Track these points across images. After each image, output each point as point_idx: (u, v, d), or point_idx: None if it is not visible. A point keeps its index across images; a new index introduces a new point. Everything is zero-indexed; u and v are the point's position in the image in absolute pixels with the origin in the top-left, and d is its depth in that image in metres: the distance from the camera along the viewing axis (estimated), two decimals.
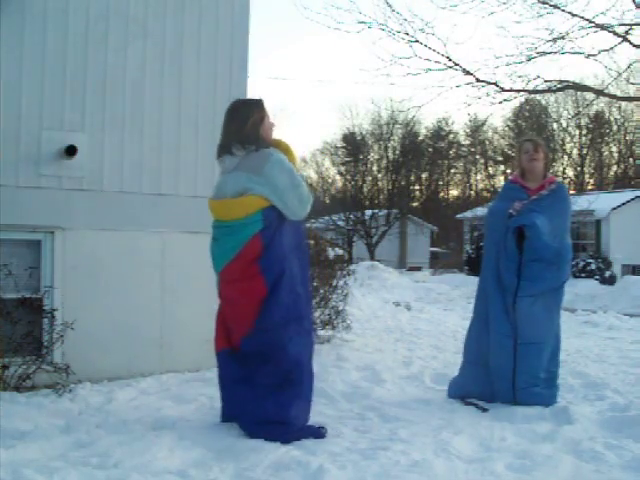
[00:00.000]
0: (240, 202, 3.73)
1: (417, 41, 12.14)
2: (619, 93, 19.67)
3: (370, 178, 39.30)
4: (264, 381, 3.79)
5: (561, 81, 13.09)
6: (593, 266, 21.77)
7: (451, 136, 45.60)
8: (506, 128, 42.71)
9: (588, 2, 11.55)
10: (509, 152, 39.18)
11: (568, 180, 38.24)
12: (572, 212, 4.90)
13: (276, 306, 3.70)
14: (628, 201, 24.26)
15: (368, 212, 34.98)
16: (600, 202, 23.21)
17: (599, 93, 14.37)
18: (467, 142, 46.19)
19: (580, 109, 33.76)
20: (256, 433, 3.77)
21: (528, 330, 4.70)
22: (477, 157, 46.15)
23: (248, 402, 3.83)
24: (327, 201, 39.16)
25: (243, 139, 3.73)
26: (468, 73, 12.40)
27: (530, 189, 4.91)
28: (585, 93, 24.34)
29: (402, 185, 39.57)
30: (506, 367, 4.71)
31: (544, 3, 11.44)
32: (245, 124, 3.74)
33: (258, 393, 3.79)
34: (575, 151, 39.83)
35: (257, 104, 3.88)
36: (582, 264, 21.93)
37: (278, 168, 3.64)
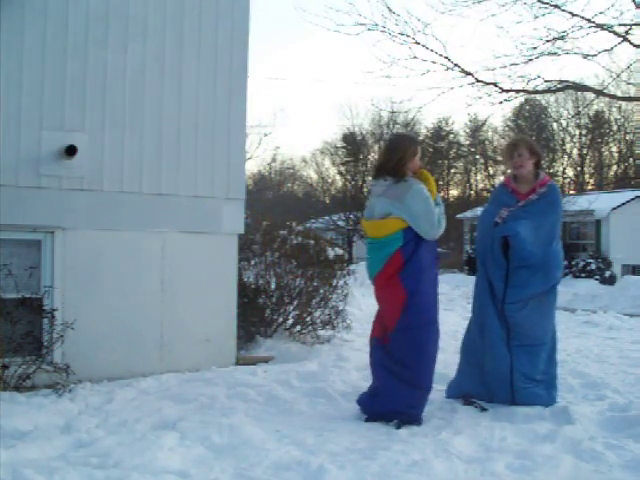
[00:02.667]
0: (385, 223, 4.40)
1: (417, 42, 12.15)
2: (619, 93, 19.69)
3: (370, 178, 39.27)
4: (402, 375, 4.37)
5: (561, 81, 13.09)
6: (593, 266, 21.76)
7: (451, 136, 45.59)
8: (506, 128, 42.70)
9: (588, 2, 11.55)
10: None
11: (568, 180, 38.24)
12: (566, 213, 4.91)
13: (413, 310, 4.32)
14: (628, 201, 24.23)
15: None
16: (600, 202, 23.21)
17: (599, 93, 14.38)
18: (467, 142, 46.19)
19: (580, 109, 33.75)
20: (372, 417, 4.42)
21: (521, 332, 4.72)
22: (477, 157, 46.13)
23: (384, 387, 4.43)
24: (327, 201, 39.15)
25: (393, 171, 4.41)
26: (468, 74, 12.41)
27: (520, 193, 4.90)
28: (585, 93, 24.34)
29: None
30: (503, 369, 4.72)
31: (544, 3, 11.44)
32: (398, 158, 4.40)
33: (394, 384, 4.37)
34: (575, 151, 39.80)
35: (413, 142, 4.58)
36: (582, 264, 21.92)
37: (417, 198, 4.30)
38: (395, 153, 4.42)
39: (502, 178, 5.74)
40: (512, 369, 4.70)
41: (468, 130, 44.71)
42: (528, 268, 4.67)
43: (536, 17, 11.40)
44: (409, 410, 4.37)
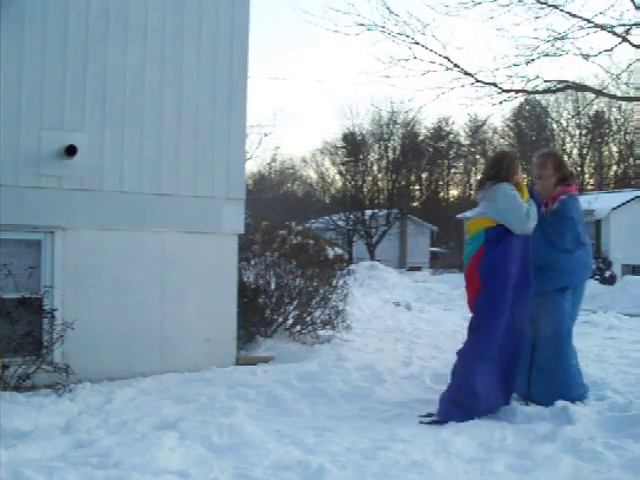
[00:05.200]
0: (474, 222, 4.95)
1: (416, 43, 12.14)
2: (619, 93, 19.65)
3: (370, 178, 39.26)
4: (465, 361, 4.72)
5: (561, 81, 13.09)
6: (593, 266, 21.73)
7: (451, 136, 45.59)
8: (506, 128, 42.72)
9: (586, 1, 11.56)
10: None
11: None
12: (578, 222, 5.06)
13: (483, 300, 4.68)
14: (628, 201, 24.22)
15: (368, 212, 34.94)
16: (600, 202, 23.17)
17: (599, 93, 14.37)
18: (467, 142, 46.19)
19: (580, 109, 33.76)
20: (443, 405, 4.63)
21: (542, 327, 4.92)
22: (477, 157, 46.12)
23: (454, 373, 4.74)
24: (327, 201, 39.14)
25: (498, 180, 4.84)
26: (468, 74, 12.40)
27: (544, 202, 5.12)
28: (585, 93, 24.34)
29: (402, 185, 39.53)
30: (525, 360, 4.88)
31: (541, 3, 11.43)
32: (502, 171, 4.85)
33: (459, 370, 4.70)
34: (575, 151, 39.81)
35: (513, 159, 5.02)
36: None
37: (502, 196, 4.72)
38: (501, 167, 4.87)
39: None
40: (532, 362, 4.91)
41: (468, 130, 44.71)
42: (538, 268, 4.86)
43: (537, 17, 11.40)
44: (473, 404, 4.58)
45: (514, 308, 4.67)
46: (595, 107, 34.97)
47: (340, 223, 34.26)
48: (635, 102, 24.13)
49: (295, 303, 7.88)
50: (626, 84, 14.09)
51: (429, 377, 5.86)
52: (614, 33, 11.58)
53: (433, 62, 12.30)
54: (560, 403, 4.58)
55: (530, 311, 4.82)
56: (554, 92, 16.20)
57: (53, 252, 5.62)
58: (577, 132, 39.76)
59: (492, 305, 4.64)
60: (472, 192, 46.19)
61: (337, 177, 40.93)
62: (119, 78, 5.91)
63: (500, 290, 4.63)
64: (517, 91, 12.92)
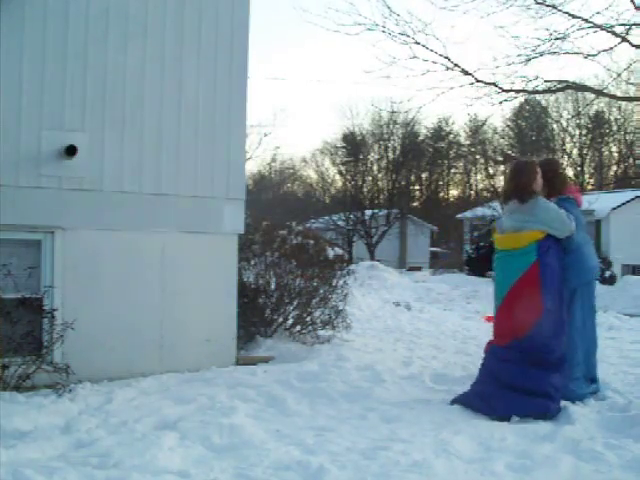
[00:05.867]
0: (522, 235, 5.02)
1: (417, 42, 12.13)
2: (619, 93, 19.67)
3: (370, 178, 39.24)
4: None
5: (561, 81, 13.08)
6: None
7: (451, 136, 45.57)
8: (506, 128, 42.70)
9: (586, 1, 11.56)
10: (509, 152, 39.17)
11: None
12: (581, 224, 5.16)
13: (542, 327, 4.80)
14: (628, 201, 24.22)
15: (368, 212, 34.92)
16: (600, 202, 23.16)
17: (599, 93, 14.36)
18: (467, 142, 46.18)
19: (580, 109, 33.75)
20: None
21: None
22: (477, 157, 46.12)
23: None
24: (327, 201, 39.12)
25: (521, 193, 5.07)
26: (468, 74, 12.39)
27: None
28: (585, 93, 24.34)
29: (402, 185, 39.50)
30: None
31: (539, 3, 11.43)
32: (524, 181, 5.07)
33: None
34: (575, 151, 39.79)
35: (533, 166, 5.19)
36: None
37: (543, 209, 4.99)
38: (521, 177, 5.09)
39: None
40: None
41: (468, 130, 44.70)
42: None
43: (540, 17, 11.38)
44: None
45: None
46: (595, 107, 34.97)
47: (340, 223, 34.23)
48: (635, 102, 24.13)
49: (295, 303, 7.88)
50: (627, 81, 14.08)
51: (429, 377, 5.87)
52: (614, 33, 11.57)
53: (434, 62, 12.29)
54: (560, 403, 4.59)
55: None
56: (554, 92, 16.20)
57: (53, 252, 5.61)
58: (577, 132, 39.75)
59: (559, 319, 4.85)
60: (471, 192, 46.34)
61: (337, 177, 40.92)
62: (119, 78, 5.91)
63: (558, 299, 4.88)
64: (517, 91, 12.90)
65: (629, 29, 11.52)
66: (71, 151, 5.58)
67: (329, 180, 41.27)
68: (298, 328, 7.89)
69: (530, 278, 4.87)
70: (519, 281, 4.91)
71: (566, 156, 39.47)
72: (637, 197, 24.58)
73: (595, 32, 11.52)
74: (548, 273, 4.87)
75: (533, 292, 4.84)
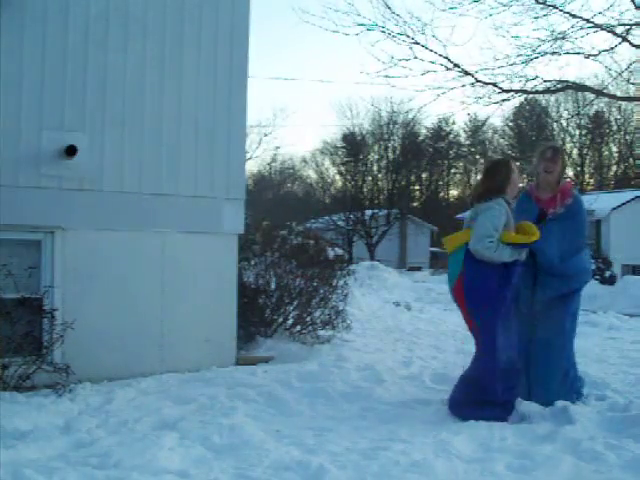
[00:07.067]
0: (456, 236, 4.70)
1: (416, 43, 12.12)
2: (619, 93, 19.66)
3: (370, 178, 39.30)
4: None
5: (561, 81, 13.07)
6: (593, 266, 21.71)
7: (451, 136, 45.59)
8: (506, 128, 42.72)
9: (586, 1, 11.55)
10: (509, 152, 39.20)
11: (568, 180, 38.18)
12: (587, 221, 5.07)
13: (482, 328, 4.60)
14: (628, 201, 24.25)
15: (368, 212, 34.97)
16: (600, 202, 23.15)
17: (599, 93, 14.35)
18: (467, 142, 46.19)
19: (580, 109, 33.76)
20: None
21: (542, 330, 4.86)
22: (477, 157, 46.13)
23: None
24: (327, 201, 39.15)
25: (490, 194, 4.56)
26: (468, 74, 12.38)
27: (541, 199, 5.02)
28: (585, 93, 24.33)
29: (402, 185, 39.54)
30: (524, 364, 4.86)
31: (539, 3, 11.41)
32: (497, 182, 4.60)
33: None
34: (575, 151, 39.82)
35: (507, 165, 4.75)
36: None
37: (486, 215, 4.45)
38: (494, 181, 4.62)
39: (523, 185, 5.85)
40: (530, 365, 4.86)
41: (468, 130, 44.70)
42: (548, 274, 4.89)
43: (536, 18, 11.38)
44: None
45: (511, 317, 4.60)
46: (595, 107, 35.01)
47: (340, 223, 34.28)
48: (635, 102, 24.12)
49: (295, 303, 7.88)
50: (627, 81, 14.05)
51: (429, 377, 5.86)
52: (614, 33, 11.56)
53: (433, 62, 12.28)
54: (560, 403, 4.58)
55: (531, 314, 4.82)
56: (554, 92, 16.18)
57: (53, 252, 5.61)
58: (577, 132, 39.79)
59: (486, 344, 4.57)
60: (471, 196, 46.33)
61: (337, 177, 40.99)
62: (119, 78, 5.91)
63: (493, 311, 4.45)
64: (517, 91, 12.89)
65: (629, 29, 11.52)
66: (71, 151, 5.58)
67: (329, 180, 41.35)
68: (298, 328, 7.89)
69: (458, 294, 4.54)
70: (454, 291, 4.60)
71: (566, 156, 39.46)
72: (637, 197, 24.61)
73: (595, 32, 11.52)
74: (474, 287, 4.40)
75: (463, 310, 4.56)
